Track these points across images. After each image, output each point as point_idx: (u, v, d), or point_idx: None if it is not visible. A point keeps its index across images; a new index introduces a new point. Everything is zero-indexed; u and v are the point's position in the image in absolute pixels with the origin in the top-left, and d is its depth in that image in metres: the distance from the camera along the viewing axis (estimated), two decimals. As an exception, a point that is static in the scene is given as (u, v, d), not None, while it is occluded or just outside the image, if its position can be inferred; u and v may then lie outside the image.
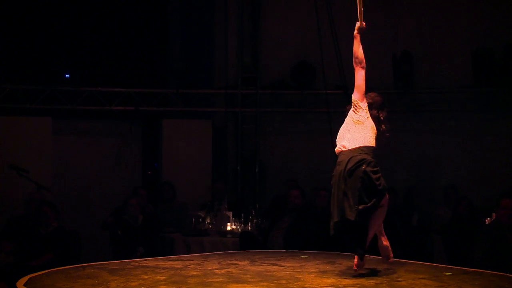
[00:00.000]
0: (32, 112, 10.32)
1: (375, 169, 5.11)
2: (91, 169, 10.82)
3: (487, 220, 8.12)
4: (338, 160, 5.25)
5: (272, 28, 11.21)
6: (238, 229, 9.20)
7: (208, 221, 9.27)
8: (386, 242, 5.41)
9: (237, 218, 9.34)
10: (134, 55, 12.06)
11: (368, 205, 5.02)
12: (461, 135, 10.58)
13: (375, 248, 7.70)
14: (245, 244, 8.78)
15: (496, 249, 7.21)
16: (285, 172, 10.56)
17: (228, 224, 9.24)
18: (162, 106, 11.18)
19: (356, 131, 5.24)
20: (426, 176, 10.57)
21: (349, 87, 9.94)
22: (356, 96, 5.32)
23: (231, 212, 9.37)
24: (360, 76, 5.35)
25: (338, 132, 5.38)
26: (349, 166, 5.09)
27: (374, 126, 5.30)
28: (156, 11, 12.44)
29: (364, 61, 5.36)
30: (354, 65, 5.39)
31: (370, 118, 5.28)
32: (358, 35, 5.42)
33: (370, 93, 5.41)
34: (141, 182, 10.98)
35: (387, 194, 5.22)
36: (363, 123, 5.26)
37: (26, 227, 8.48)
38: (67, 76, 10.94)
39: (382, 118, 5.31)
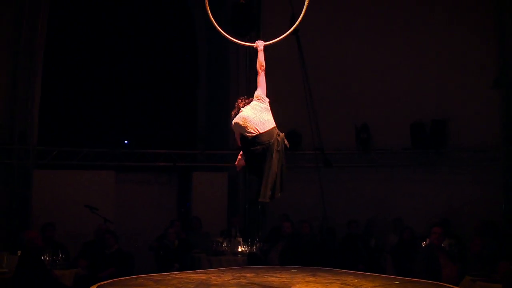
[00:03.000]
0: (101, 167, 10.31)
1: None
2: (141, 207, 10.74)
3: (424, 244, 8.13)
4: (262, 139, 4.96)
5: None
6: (246, 250, 9.14)
7: (225, 245, 9.19)
8: None
9: (245, 242, 9.26)
10: (172, 126, 12.15)
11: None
12: (404, 183, 10.46)
13: (347, 264, 7.66)
14: (251, 261, 8.73)
15: (429, 264, 7.21)
16: (279, 209, 10.50)
17: (239, 247, 9.18)
18: (192, 162, 11.15)
19: (267, 115, 5.08)
20: (380, 212, 10.45)
21: (325, 148, 10.12)
22: (260, 92, 5.19)
23: (241, 238, 9.31)
24: (262, 78, 5.24)
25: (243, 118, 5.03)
26: (281, 146, 4.98)
27: None
28: (188, 97, 12.59)
29: (264, 66, 5.25)
30: (259, 70, 5.26)
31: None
32: (262, 50, 5.33)
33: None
34: (176, 216, 10.85)
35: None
36: (268, 110, 5.15)
37: (95, 249, 8.45)
38: (126, 142, 11.00)
39: None
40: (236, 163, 5.40)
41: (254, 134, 4.98)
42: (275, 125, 5.09)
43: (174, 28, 12.41)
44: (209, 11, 5.63)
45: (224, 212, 10.78)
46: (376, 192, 10.63)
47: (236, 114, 5.12)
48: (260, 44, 5.38)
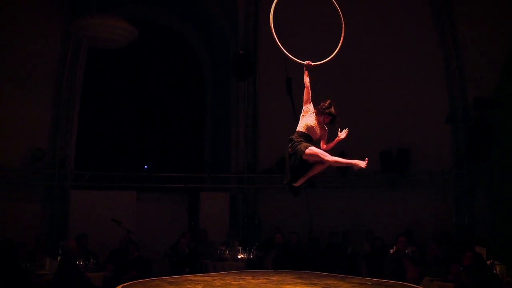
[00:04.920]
0: (125, 188, 10.34)
1: (289, 143, 4.96)
2: (158, 221, 10.68)
3: (391, 250, 8.12)
4: None
5: (264, 139, 11.26)
6: (245, 257, 9.13)
7: (227, 252, 9.19)
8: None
9: (244, 250, 9.26)
10: (184, 154, 12.20)
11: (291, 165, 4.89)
12: (374, 200, 10.53)
13: (328, 268, 7.65)
14: (249, 266, 8.74)
15: (396, 267, 7.24)
16: (272, 222, 10.53)
17: (239, 254, 9.18)
18: (200, 184, 11.11)
19: (299, 122, 5.08)
20: (355, 224, 10.46)
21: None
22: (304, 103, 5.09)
23: (240, 247, 9.32)
24: (306, 92, 5.08)
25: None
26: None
27: (311, 120, 5.01)
28: (196, 130, 12.68)
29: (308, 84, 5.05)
30: (305, 87, 5.07)
31: (306, 116, 5.03)
32: (307, 71, 5.07)
33: (321, 104, 5.02)
34: (187, 228, 10.75)
35: (317, 154, 4.83)
36: (302, 117, 5.07)
37: (120, 255, 8.48)
38: (145, 167, 11.01)
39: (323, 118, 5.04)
40: None
41: None
42: (297, 130, 5.06)
43: (185, 72, 12.60)
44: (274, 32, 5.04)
45: (226, 225, 10.74)
46: (352, 208, 10.65)
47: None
48: (310, 64, 5.10)
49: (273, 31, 5.03)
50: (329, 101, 5.03)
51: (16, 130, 9.57)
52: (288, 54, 5.12)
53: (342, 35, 5.16)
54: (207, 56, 12.77)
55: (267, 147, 11.20)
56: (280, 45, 5.07)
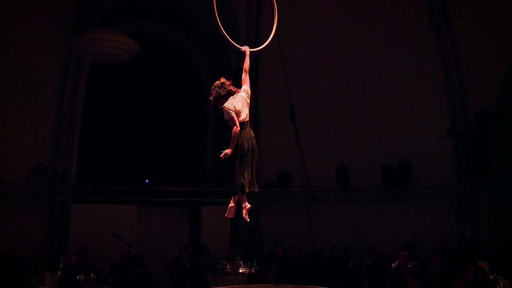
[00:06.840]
0: (126, 202, 10.37)
1: None
2: (159, 235, 10.72)
3: (393, 265, 8.12)
4: (245, 137, 4.86)
5: (265, 153, 11.00)
6: (246, 271, 9.12)
7: (228, 267, 9.19)
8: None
9: (245, 264, 9.26)
10: (185, 168, 12.22)
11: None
12: (376, 214, 10.54)
13: (330, 283, 7.67)
14: (250, 280, 8.74)
15: (398, 282, 7.26)
16: (274, 237, 10.52)
17: (240, 268, 9.18)
18: (201, 198, 11.13)
19: (247, 108, 4.92)
20: (357, 238, 10.48)
21: (311, 186, 10.17)
22: (246, 87, 5.00)
23: (242, 261, 9.32)
24: (248, 76, 5.04)
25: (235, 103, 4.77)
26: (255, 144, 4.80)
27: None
28: (197, 144, 12.73)
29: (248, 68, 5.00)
30: (246, 70, 5.04)
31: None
32: (248, 54, 5.09)
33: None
34: (188, 243, 10.81)
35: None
36: (248, 102, 4.95)
37: (121, 270, 8.47)
38: (147, 181, 11.03)
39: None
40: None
41: (243, 120, 4.90)
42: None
43: (186, 86, 12.70)
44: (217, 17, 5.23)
45: (228, 240, 10.74)
46: (353, 222, 10.66)
47: (225, 93, 4.85)
48: (247, 49, 5.16)
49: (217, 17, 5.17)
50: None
51: (18, 144, 9.65)
52: (231, 40, 5.26)
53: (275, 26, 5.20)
54: (208, 70, 12.88)
55: (268, 161, 11.11)
56: (223, 30, 5.19)
